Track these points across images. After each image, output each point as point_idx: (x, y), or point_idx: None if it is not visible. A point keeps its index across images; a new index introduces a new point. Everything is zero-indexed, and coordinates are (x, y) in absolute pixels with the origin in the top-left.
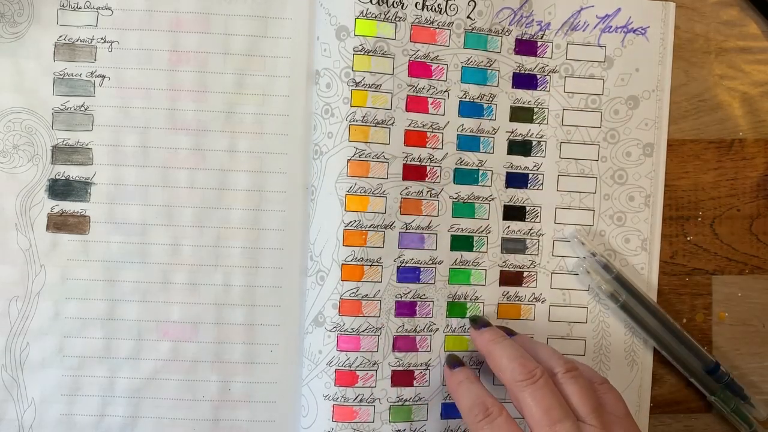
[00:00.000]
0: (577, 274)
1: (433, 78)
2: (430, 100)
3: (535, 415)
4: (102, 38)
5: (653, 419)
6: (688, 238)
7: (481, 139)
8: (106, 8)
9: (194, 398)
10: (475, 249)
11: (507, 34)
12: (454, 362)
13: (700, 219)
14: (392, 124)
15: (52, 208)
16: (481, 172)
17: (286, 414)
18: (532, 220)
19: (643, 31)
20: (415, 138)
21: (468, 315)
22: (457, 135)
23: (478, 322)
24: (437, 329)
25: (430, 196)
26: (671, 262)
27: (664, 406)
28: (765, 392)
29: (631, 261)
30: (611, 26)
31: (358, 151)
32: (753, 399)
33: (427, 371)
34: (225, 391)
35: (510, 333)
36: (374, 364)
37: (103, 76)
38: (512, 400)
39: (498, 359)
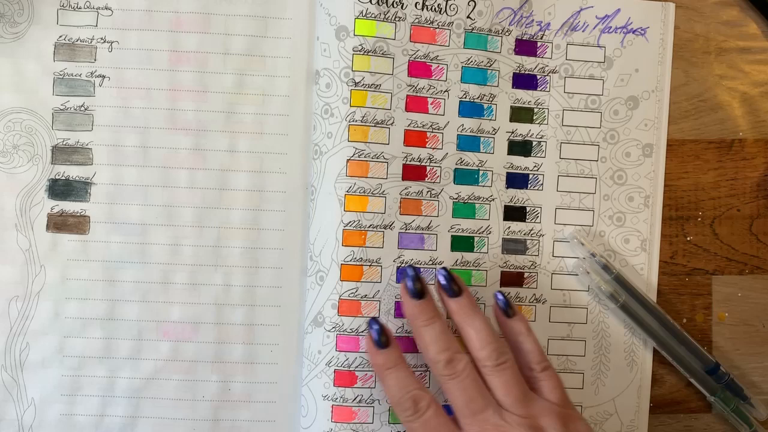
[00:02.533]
0: (577, 275)
1: (433, 78)
2: (429, 100)
3: (458, 405)
4: (102, 38)
5: (653, 419)
6: (688, 239)
7: (482, 139)
8: (106, 8)
9: (194, 398)
10: (475, 250)
11: (507, 34)
12: (382, 341)
13: (700, 219)
14: (392, 124)
15: (52, 208)
16: (481, 173)
17: (286, 414)
18: (533, 221)
19: (642, 32)
20: (414, 138)
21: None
22: (457, 135)
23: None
24: None
25: (430, 197)
26: (671, 262)
27: (664, 406)
28: (765, 392)
29: (631, 261)
30: (611, 27)
31: (357, 151)
32: (753, 399)
33: (427, 373)
34: (225, 391)
35: (456, 289)
36: None
37: (103, 76)
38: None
39: (425, 347)
